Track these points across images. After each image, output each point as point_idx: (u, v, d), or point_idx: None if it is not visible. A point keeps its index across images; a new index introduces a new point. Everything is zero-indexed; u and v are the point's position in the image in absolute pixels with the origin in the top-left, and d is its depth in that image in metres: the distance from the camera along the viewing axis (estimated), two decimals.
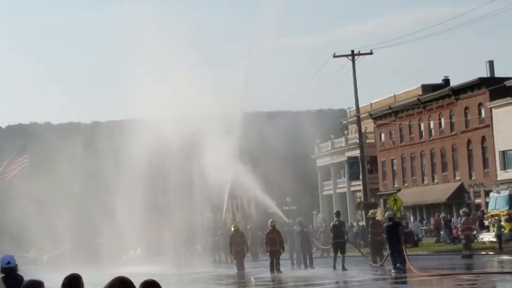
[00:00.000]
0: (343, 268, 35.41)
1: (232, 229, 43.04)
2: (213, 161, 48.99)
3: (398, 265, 32.68)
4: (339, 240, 36.95)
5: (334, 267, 36.05)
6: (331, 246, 39.39)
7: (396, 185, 75.82)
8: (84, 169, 56.88)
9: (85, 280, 8.25)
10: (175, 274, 39.83)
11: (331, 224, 39.41)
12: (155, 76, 53.09)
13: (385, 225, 35.24)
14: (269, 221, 40.29)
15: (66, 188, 62.90)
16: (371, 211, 45.09)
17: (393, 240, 33.36)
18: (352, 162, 77.54)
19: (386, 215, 37.90)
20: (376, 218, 42.57)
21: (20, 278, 10.87)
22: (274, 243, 37.92)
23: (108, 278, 7.23)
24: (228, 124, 50.65)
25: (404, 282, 29.05)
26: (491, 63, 68.12)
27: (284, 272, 37.53)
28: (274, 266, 37.66)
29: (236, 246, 41.37)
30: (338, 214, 39.97)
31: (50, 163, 64.15)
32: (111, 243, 61.85)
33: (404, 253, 33.32)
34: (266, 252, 40.33)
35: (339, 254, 36.57)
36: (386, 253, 35.25)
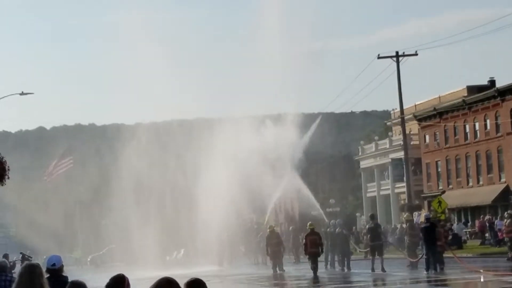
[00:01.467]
0: (382, 270, 35.36)
1: (268, 230, 43.12)
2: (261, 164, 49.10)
3: (431, 267, 32.70)
4: (376, 242, 37.08)
5: (373, 269, 36.16)
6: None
7: (440, 187, 75.13)
8: (128, 170, 57.17)
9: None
10: (218, 275, 39.81)
11: (367, 227, 39.65)
12: (188, 77, 53.46)
13: (422, 226, 35.28)
14: (308, 223, 40.46)
15: (110, 189, 63.26)
16: (406, 214, 45.66)
17: (429, 241, 33.32)
18: (396, 164, 77.05)
19: (424, 216, 38.05)
20: (413, 221, 42.88)
21: (65, 280, 10.84)
22: (315, 244, 37.91)
23: (151, 280, 7.21)
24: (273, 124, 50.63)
25: (444, 285, 28.74)
26: None
27: (324, 273, 37.80)
28: (316, 267, 37.61)
29: (272, 247, 41.55)
30: (373, 217, 40.21)
31: (94, 164, 64.70)
32: (155, 244, 62.09)
33: (449, 254, 33.00)
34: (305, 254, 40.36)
35: (377, 256, 36.61)
36: (421, 254, 35.30)
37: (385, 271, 35.13)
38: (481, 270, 30.94)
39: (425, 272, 32.60)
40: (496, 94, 65.97)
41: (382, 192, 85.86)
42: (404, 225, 64.49)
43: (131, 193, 60.39)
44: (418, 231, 39.20)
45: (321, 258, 40.96)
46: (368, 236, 38.40)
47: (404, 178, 65.76)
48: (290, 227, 55.51)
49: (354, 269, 38.58)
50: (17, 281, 8.49)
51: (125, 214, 62.29)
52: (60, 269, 11.51)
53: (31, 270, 8.51)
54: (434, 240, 33.37)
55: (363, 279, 33.27)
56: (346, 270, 38.63)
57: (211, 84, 55.09)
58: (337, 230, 40.14)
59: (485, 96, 67.72)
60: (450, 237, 53.35)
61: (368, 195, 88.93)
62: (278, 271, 40.66)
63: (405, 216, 44.65)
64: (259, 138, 50.43)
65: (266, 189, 50.76)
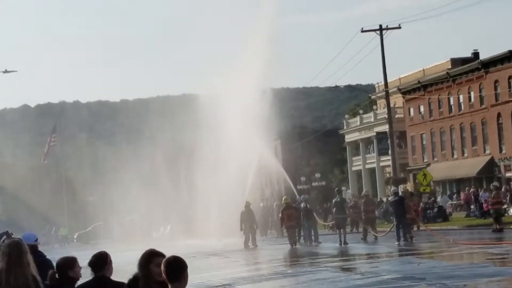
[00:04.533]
0: (344, 243, 36.47)
1: (244, 207, 43.83)
2: (239, 138, 49.08)
3: (402, 239, 33.96)
4: (339, 216, 38.14)
5: (341, 243, 36.88)
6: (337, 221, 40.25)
7: (425, 160, 75.44)
8: (114, 146, 57.18)
9: (112, 258, 8.29)
10: (206, 252, 39.89)
11: (333, 201, 40.55)
12: (179, 53, 53.19)
13: (391, 200, 36.57)
14: (283, 198, 42.47)
15: (96, 166, 63.22)
16: (365, 190, 47.81)
17: (399, 214, 34.76)
18: (381, 137, 77.25)
19: (391, 190, 39.57)
20: (369, 196, 45.30)
21: (42, 259, 10.59)
22: (291, 218, 39.39)
23: (137, 256, 7.27)
24: (252, 100, 50.34)
25: (413, 254, 28.96)
26: None
27: (297, 246, 38.64)
28: (293, 240, 38.95)
29: (246, 222, 42.59)
30: (339, 191, 41.59)
31: (80, 141, 64.62)
32: (142, 221, 62.20)
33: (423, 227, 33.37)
34: (282, 227, 41.43)
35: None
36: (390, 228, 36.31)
37: (347, 244, 36.26)
38: (451, 240, 31.93)
39: (396, 243, 33.46)
40: (479, 67, 66.15)
41: (367, 166, 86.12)
42: (390, 198, 65.00)
43: (118, 170, 60.36)
44: (373, 206, 43.14)
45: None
46: (334, 210, 39.48)
47: (389, 152, 65.96)
48: (274, 203, 55.61)
49: (324, 243, 39.36)
50: (6, 260, 7.97)
51: (113, 191, 62.33)
52: (34, 246, 11.34)
53: (19, 249, 8.14)
54: (404, 213, 34.85)
55: (332, 251, 33.89)
56: (314, 243, 39.57)
57: (194, 60, 54.90)
58: (302, 205, 41.21)
59: (469, 69, 67.89)
60: (425, 209, 53.72)
61: (354, 169, 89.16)
62: (251, 246, 41.42)
63: (363, 192, 46.47)
64: (242, 114, 50.32)
65: (249, 163, 50.78)
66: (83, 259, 8.69)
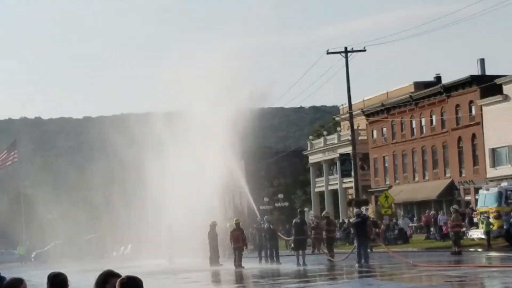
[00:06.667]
0: (304, 264, 36.83)
1: (210, 227, 44.22)
2: (204, 157, 48.96)
3: (363, 261, 34.04)
4: (299, 237, 38.41)
5: (298, 263, 37.05)
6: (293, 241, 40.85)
7: (387, 182, 75.82)
8: (74, 164, 56.73)
9: (70, 278, 8.18)
10: (164, 271, 39.66)
11: (293, 221, 40.69)
12: (144, 70, 53.02)
13: (353, 221, 36.86)
14: (234, 219, 43.37)
15: (56, 183, 62.64)
16: (325, 211, 48.96)
17: (360, 235, 35.00)
18: (344, 159, 77.51)
19: (354, 212, 40.24)
20: (330, 217, 46.30)
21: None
22: (237, 240, 40.23)
23: (94, 276, 7.20)
24: (223, 119, 50.17)
25: (373, 276, 29.10)
26: (482, 61, 68.11)
27: (251, 267, 38.75)
28: (237, 261, 39.52)
29: (211, 242, 43.41)
30: (301, 212, 42.34)
31: (40, 158, 64.01)
32: (102, 240, 61.69)
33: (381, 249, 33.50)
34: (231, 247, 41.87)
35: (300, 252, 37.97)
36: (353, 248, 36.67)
37: (306, 265, 36.58)
38: (411, 261, 32.33)
39: (357, 265, 33.54)
40: (442, 90, 66.79)
41: (330, 187, 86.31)
42: (352, 220, 65.13)
43: (79, 188, 59.86)
44: (334, 227, 44.81)
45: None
46: (293, 230, 39.69)
47: (352, 173, 66.20)
48: (228, 224, 55.09)
49: (284, 264, 39.36)
50: None
51: (73, 209, 61.80)
52: None
53: None
54: (365, 234, 35.30)
55: (293, 272, 33.91)
56: (275, 263, 39.81)
57: (159, 80, 54.77)
58: (265, 226, 41.43)
59: (431, 92, 68.51)
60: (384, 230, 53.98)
61: (317, 190, 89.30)
62: (214, 266, 41.83)
63: (323, 213, 47.24)
64: (207, 133, 50.16)
65: (213, 184, 50.58)
66: (40, 278, 8.59)
